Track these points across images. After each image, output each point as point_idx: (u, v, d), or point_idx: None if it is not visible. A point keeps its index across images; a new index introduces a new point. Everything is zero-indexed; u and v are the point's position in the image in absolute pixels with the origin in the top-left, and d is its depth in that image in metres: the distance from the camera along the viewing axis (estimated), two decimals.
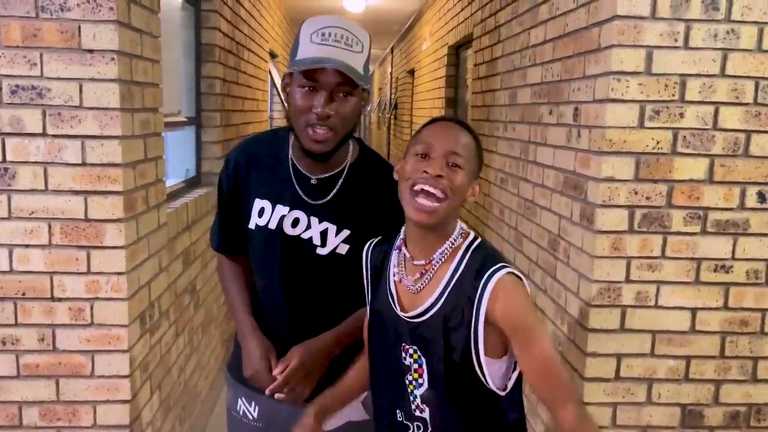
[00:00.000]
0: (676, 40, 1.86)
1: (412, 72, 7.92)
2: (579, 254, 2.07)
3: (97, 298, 1.89)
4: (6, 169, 1.80)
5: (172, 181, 2.82)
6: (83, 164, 1.82)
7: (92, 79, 1.78)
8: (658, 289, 1.97)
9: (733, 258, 1.97)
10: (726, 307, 1.99)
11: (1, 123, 1.78)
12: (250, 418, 1.58)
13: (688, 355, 2.01)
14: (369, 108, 17.56)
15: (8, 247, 1.84)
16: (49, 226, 1.84)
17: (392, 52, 11.03)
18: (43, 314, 1.88)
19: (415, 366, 1.28)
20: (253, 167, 1.49)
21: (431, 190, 1.19)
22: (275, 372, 1.44)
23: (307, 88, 1.32)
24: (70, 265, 1.86)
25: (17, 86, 1.77)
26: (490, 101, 3.43)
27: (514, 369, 1.27)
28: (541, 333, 1.26)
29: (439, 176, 1.19)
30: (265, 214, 1.46)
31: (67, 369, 1.91)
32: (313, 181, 1.44)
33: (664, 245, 1.95)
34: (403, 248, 1.32)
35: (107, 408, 1.94)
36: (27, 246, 1.84)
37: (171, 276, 2.40)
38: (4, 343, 1.88)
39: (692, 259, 1.96)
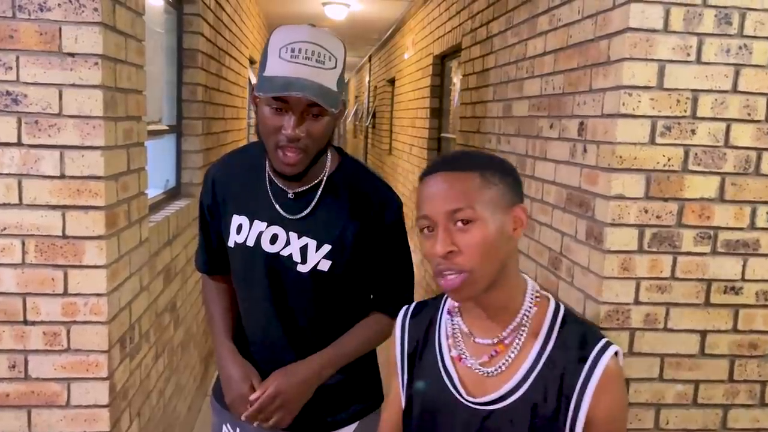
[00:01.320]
0: (688, 54, 1.80)
1: (392, 81, 7.84)
2: (585, 274, 1.99)
3: (75, 322, 1.74)
4: None
5: (152, 193, 2.68)
6: (62, 177, 1.68)
7: (73, 85, 1.65)
8: (667, 311, 1.90)
9: (743, 279, 1.91)
10: (735, 329, 1.93)
11: None
12: None
13: (697, 379, 1.94)
14: (344, 116, 17.49)
15: None
16: (23, 244, 1.69)
17: (370, 60, 10.96)
18: (15, 339, 1.73)
19: None
20: (231, 183, 1.44)
21: (452, 278, 0.98)
22: (252, 397, 1.34)
23: (275, 108, 1.24)
24: (46, 286, 1.72)
25: None
26: (481, 113, 3.36)
27: None
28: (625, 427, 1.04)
29: (450, 252, 0.98)
30: (243, 230, 1.40)
31: (40, 398, 1.76)
32: (290, 195, 1.38)
33: (674, 266, 1.88)
34: (457, 318, 1.10)
35: None
36: None
37: (152, 295, 2.26)
38: None
39: (702, 280, 1.90)
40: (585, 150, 2.03)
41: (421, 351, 1.12)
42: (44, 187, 1.68)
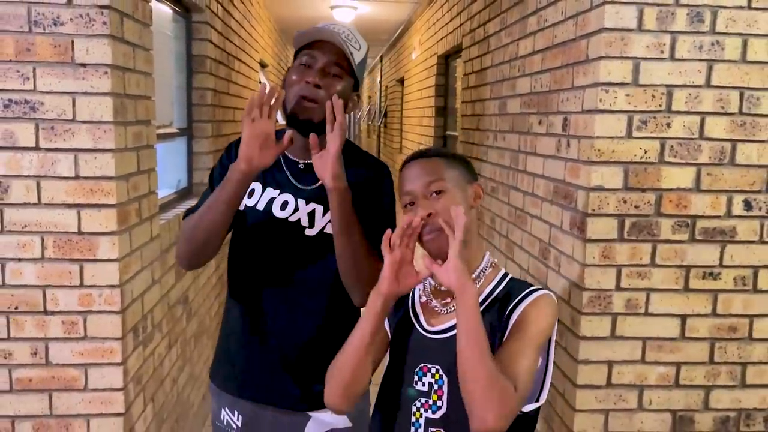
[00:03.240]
0: (662, 52, 1.89)
1: (401, 81, 7.95)
2: (570, 262, 2.09)
3: (90, 311, 1.89)
4: None
5: (164, 193, 2.82)
6: (76, 177, 1.82)
7: (85, 93, 1.79)
8: (648, 297, 2.00)
9: (721, 265, 2.00)
10: (714, 313, 2.02)
11: None
12: (234, 427, 1.58)
13: (678, 361, 2.03)
14: (359, 115, 17.61)
15: (1, 261, 1.83)
16: (42, 240, 1.84)
17: (381, 60, 11.08)
18: (36, 328, 1.87)
19: (435, 387, 1.24)
20: None
21: (431, 236, 1.23)
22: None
23: (303, 65, 1.41)
24: (63, 279, 1.86)
25: (10, 100, 1.78)
26: (480, 110, 3.46)
27: (544, 380, 1.26)
28: (535, 340, 1.19)
29: (430, 215, 1.22)
30: (254, 195, 1.51)
31: (60, 383, 1.90)
32: (300, 166, 1.50)
33: (653, 253, 1.98)
34: None
35: (101, 421, 1.93)
36: (20, 260, 1.84)
37: (164, 288, 2.40)
38: None
39: (681, 266, 1.99)
40: (568, 144, 2.13)
41: (402, 299, 1.35)
42: (60, 187, 1.82)
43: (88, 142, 1.81)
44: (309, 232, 1.48)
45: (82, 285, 1.87)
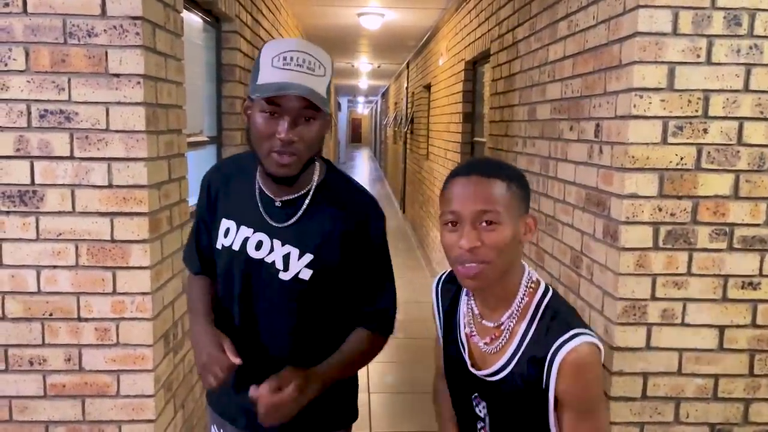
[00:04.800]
0: (698, 56, 1.85)
1: (428, 87, 7.94)
2: (603, 271, 2.05)
3: (123, 318, 1.91)
4: (35, 192, 1.84)
5: (194, 200, 2.85)
6: (110, 186, 1.85)
7: (118, 103, 1.82)
8: (684, 307, 1.95)
9: (761, 275, 1.94)
10: (754, 324, 1.96)
11: (29, 146, 1.82)
12: None
13: (717, 373, 1.98)
14: (385, 122, 17.62)
15: (36, 268, 1.87)
16: (76, 248, 1.87)
17: (408, 67, 11.08)
18: (70, 334, 1.90)
19: (488, 419, 1.26)
20: (223, 187, 1.47)
21: (471, 267, 1.13)
22: (232, 359, 1.30)
23: (269, 114, 1.27)
24: (97, 286, 1.89)
25: (46, 110, 1.81)
26: (508, 116, 3.43)
27: None
28: (600, 408, 1.17)
29: (474, 248, 1.12)
30: (230, 234, 1.42)
31: (93, 389, 1.93)
32: (277, 203, 1.40)
33: (689, 262, 1.93)
34: (472, 301, 1.28)
35: (132, 428, 1.95)
36: (54, 267, 1.87)
37: None
38: (31, 363, 1.91)
39: (719, 276, 1.93)
40: (601, 151, 2.09)
41: (451, 311, 1.32)
42: (94, 196, 1.85)
43: (121, 151, 1.83)
44: (283, 276, 1.38)
45: (114, 292, 1.90)
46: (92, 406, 1.94)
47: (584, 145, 2.24)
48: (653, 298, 1.94)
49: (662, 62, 1.85)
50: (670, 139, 1.88)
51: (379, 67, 12.31)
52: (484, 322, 1.23)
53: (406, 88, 11.36)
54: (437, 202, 1.27)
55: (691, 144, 1.88)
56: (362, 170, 21.80)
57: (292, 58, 1.27)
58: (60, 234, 1.86)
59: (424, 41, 8.13)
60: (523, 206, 1.19)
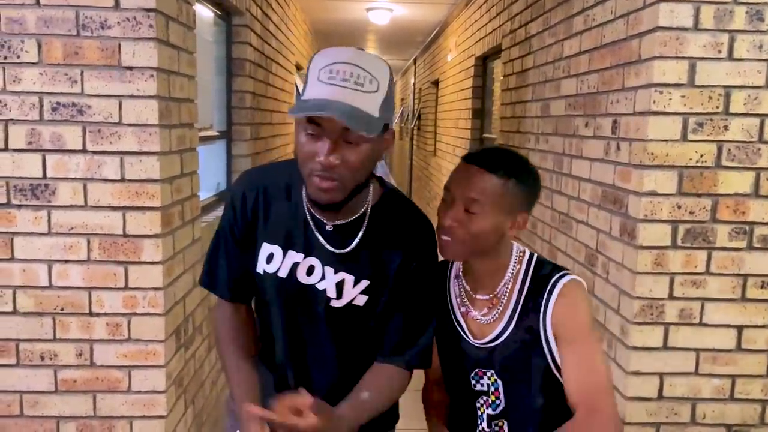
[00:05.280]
0: (719, 51, 1.82)
1: (436, 83, 7.90)
2: (619, 270, 2.03)
3: (134, 314, 1.89)
4: (46, 186, 1.82)
5: (203, 195, 2.83)
6: (122, 180, 1.83)
7: (131, 96, 1.80)
8: (702, 306, 1.92)
9: None
10: None
11: (41, 139, 1.80)
12: None
13: (734, 374, 1.95)
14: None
15: (48, 262, 1.85)
16: (88, 242, 1.85)
17: (415, 63, 11.04)
18: (81, 329, 1.89)
19: (492, 389, 1.31)
20: (262, 204, 1.30)
21: (446, 238, 1.26)
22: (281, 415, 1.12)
23: (310, 133, 1.14)
24: (108, 281, 1.87)
25: (58, 103, 1.79)
26: (520, 112, 3.40)
27: None
28: (592, 337, 1.25)
29: (452, 226, 1.24)
30: (274, 260, 1.29)
31: (104, 384, 1.91)
32: (328, 228, 1.27)
33: (708, 261, 1.90)
34: (462, 280, 1.35)
35: (143, 423, 1.93)
36: (66, 261, 1.86)
37: (204, 290, 2.40)
38: (42, 358, 1.89)
39: (738, 275, 1.91)
40: (618, 148, 2.06)
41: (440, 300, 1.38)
42: (106, 190, 1.83)
43: (134, 144, 1.81)
44: (335, 303, 1.28)
45: (126, 287, 1.88)
46: (103, 402, 1.92)
47: (601, 141, 2.21)
48: (671, 297, 1.92)
49: (683, 57, 1.82)
50: (690, 136, 1.85)
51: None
52: (477, 296, 1.32)
53: (413, 84, 11.31)
54: None
55: (712, 141, 1.85)
56: None
57: (338, 72, 1.12)
58: (72, 228, 1.84)
59: (432, 37, 8.09)
60: (519, 204, 1.25)
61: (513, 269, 1.30)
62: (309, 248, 1.27)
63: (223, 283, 1.35)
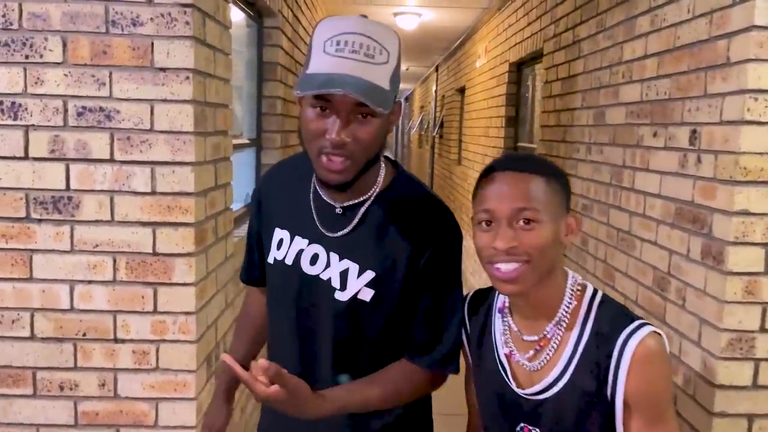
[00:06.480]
0: None
1: (461, 90, 7.72)
2: (701, 297, 1.81)
3: (163, 340, 1.72)
4: (70, 198, 1.65)
5: (234, 207, 2.66)
6: (152, 193, 1.66)
7: (164, 100, 1.62)
8: None
9: None
10: None
11: (65, 147, 1.63)
12: None
13: None
14: (409, 125, 17.44)
15: (69, 282, 1.68)
16: (114, 261, 1.68)
17: (437, 70, 10.87)
18: (105, 357, 1.71)
19: None
20: (277, 193, 1.29)
21: (509, 268, 1.03)
22: (261, 370, 1.04)
23: (319, 108, 1.07)
24: (136, 304, 1.70)
25: (84, 108, 1.63)
26: (566, 121, 3.20)
27: None
28: (671, 412, 1.06)
29: (512, 248, 1.02)
30: (283, 246, 1.24)
31: (129, 418, 1.74)
32: (337, 210, 1.19)
33: None
34: (508, 317, 1.15)
35: None
36: (90, 282, 1.69)
37: (236, 310, 2.22)
38: (62, 389, 1.72)
39: None
40: (699, 160, 1.85)
41: (481, 338, 1.19)
42: (135, 203, 1.66)
43: (167, 154, 1.64)
44: (340, 295, 1.18)
45: (155, 311, 1.70)
46: None
47: (674, 153, 2.01)
48: (762, 329, 1.70)
49: None
50: None
51: (407, 69, 12.11)
52: (524, 338, 1.12)
53: (435, 92, 11.15)
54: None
55: None
56: None
57: (346, 43, 1.04)
58: (96, 245, 1.67)
59: (458, 43, 7.91)
60: (564, 205, 1.09)
61: (568, 305, 1.08)
62: (314, 234, 1.21)
63: (243, 269, 1.42)
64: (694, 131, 1.89)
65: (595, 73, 2.80)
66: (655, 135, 2.16)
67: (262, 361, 1.03)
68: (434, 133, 10.60)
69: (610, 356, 1.02)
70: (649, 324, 1.03)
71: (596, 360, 1.04)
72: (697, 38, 1.90)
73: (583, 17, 3.00)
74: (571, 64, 3.17)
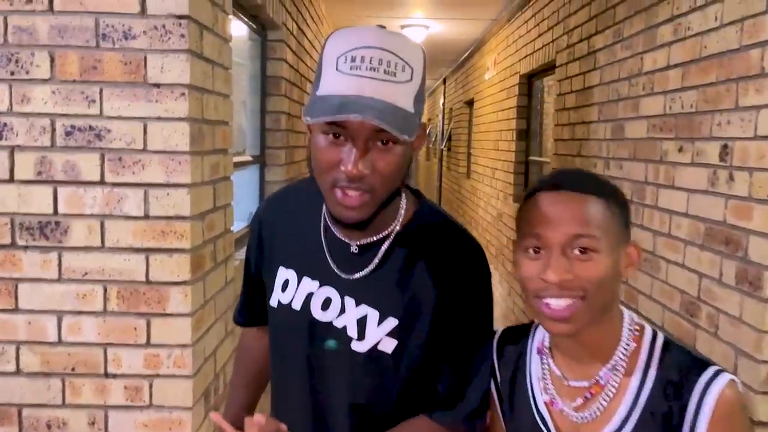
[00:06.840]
0: None
1: (470, 103, 7.62)
2: (735, 326, 1.68)
3: (158, 375, 1.60)
4: (57, 223, 1.54)
5: (236, 227, 2.54)
6: (146, 217, 1.55)
7: (158, 118, 1.52)
8: None
9: None
10: None
11: (53, 169, 1.53)
12: None
13: None
14: (426, 143, 17.30)
15: (57, 314, 1.57)
16: (105, 290, 1.57)
17: (445, 83, 10.79)
18: (95, 393, 1.60)
19: None
20: (281, 226, 1.14)
21: (558, 304, 0.88)
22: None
23: (332, 136, 0.92)
24: (128, 336, 1.58)
25: (73, 127, 1.52)
26: (582, 134, 3.08)
27: None
28: None
29: (565, 281, 0.87)
30: (289, 288, 1.10)
31: None
32: (353, 249, 1.04)
33: None
34: (548, 358, 1.00)
35: None
36: (79, 313, 1.57)
37: (236, 339, 2.09)
38: (49, 427, 1.60)
39: None
40: (731, 178, 1.72)
41: (513, 383, 1.03)
42: (127, 228, 1.55)
43: (161, 175, 1.53)
44: (357, 346, 1.03)
45: (148, 344, 1.59)
46: None
47: (703, 169, 1.88)
48: None
49: None
50: None
51: None
52: (570, 383, 0.96)
53: (443, 105, 11.06)
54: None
55: None
56: None
57: (362, 59, 0.89)
58: (86, 273, 1.56)
59: (466, 55, 7.82)
60: (625, 232, 0.94)
61: (626, 347, 0.93)
62: (325, 273, 1.06)
63: (238, 310, 1.29)
64: (725, 146, 1.77)
65: (612, 85, 2.68)
66: (680, 150, 2.04)
67: (257, 416, 0.90)
68: (442, 146, 10.49)
69: (684, 408, 0.88)
70: (724, 371, 0.90)
71: (665, 411, 0.89)
72: (726, 47, 1.78)
73: (598, 27, 2.89)
74: (586, 76, 3.06)
